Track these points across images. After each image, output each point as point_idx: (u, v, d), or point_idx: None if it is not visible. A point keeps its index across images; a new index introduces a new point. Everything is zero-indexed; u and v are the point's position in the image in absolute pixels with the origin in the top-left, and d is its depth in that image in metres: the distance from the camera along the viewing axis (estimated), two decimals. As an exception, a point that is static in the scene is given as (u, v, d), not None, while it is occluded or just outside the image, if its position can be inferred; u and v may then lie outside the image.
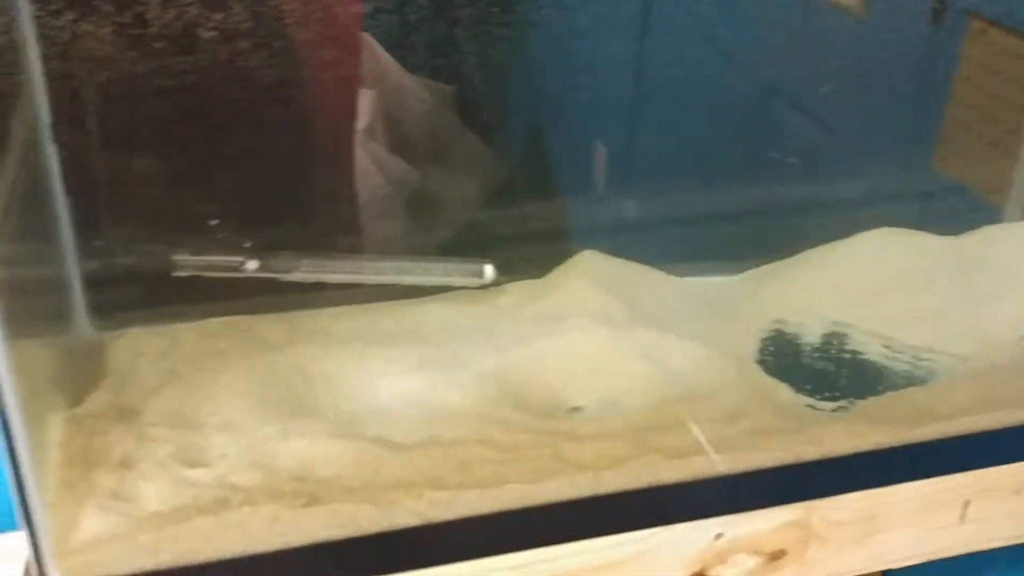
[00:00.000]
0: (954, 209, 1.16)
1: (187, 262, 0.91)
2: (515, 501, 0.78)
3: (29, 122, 0.82)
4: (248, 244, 0.91)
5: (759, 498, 0.83)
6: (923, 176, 1.19)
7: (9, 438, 0.64)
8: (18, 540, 0.75)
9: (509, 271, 1.02)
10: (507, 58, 1.35)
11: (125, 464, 0.76)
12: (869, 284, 0.99)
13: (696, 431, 0.84)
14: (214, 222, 0.92)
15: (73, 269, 0.89)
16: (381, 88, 1.37)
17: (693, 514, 0.81)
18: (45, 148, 0.83)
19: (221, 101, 0.96)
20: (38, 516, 0.68)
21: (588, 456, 0.81)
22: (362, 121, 1.35)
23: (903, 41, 1.22)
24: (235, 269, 0.92)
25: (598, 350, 0.92)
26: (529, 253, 1.06)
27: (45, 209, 0.85)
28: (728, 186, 1.19)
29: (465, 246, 1.14)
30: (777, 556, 0.86)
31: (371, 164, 1.36)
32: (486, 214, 1.29)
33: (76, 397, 0.84)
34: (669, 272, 1.05)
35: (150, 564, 0.71)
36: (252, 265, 0.92)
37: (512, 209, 1.19)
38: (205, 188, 0.95)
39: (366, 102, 1.33)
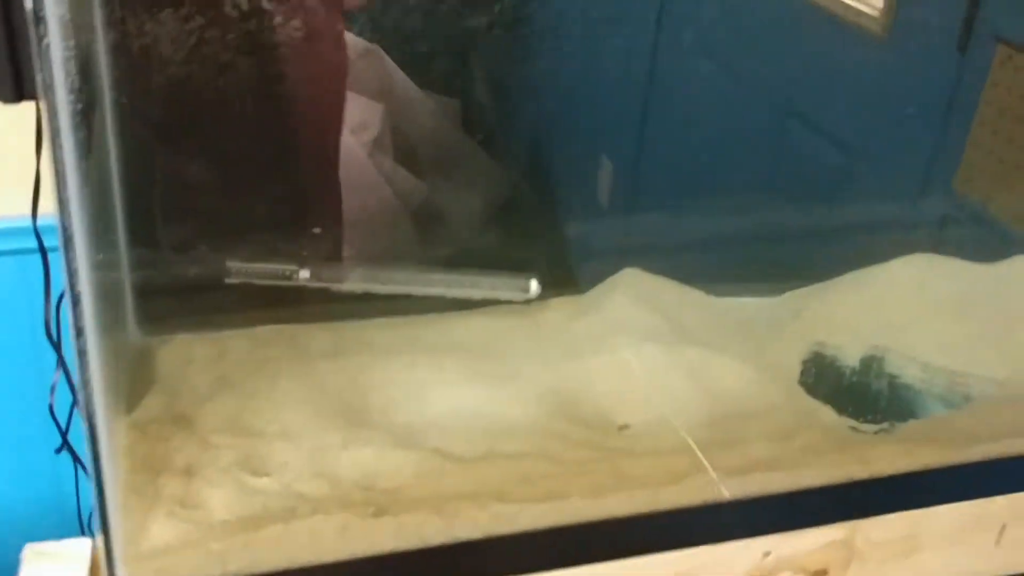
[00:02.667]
0: (979, 234, 1.18)
1: (240, 269, 0.91)
2: (576, 515, 0.79)
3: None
4: (304, 253, 0.91)
5: (808, 517, 0.85)
6: (947, 200, 1.21)
7: (94, 442, 0.64)
8: (79, 546, 0.74)
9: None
10: (514, 74, 1.37)
11: (189, 471, 0.75)
12: (906, 309, 1.01)
13: (696, 451, 0.85)
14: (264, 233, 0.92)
15: (125, 274, 0.88)
16: (389, 101, 1.38)
17: (745, 532, 0.83)
18: (106, 155, 0.83)
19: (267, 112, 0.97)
20: (113, 521, 0.68)
21: (644, 472, 0.82)
22: (370, 134, 1.36)
23: (927, 65, 1.24)
24: (287, 278, 0.92)
25: (647, 368, 0.93)
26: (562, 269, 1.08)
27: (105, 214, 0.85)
28: (741, 209, 1.21)
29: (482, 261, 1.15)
30: (819, 574, 0.88)
31: (378, 176, 1.36)
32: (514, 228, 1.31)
33: (130, 403, 0.83)
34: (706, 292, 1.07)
35: (218, 572, 0.70)
36: (304, 274, 0.92)
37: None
38: (256, 198, 0.95)
39: (375, 114, 1.34)
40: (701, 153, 1.33)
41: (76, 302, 0.60)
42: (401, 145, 1.42)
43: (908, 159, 1.26)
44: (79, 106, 0.56)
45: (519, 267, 1.05)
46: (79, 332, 0.61)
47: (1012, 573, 0.92)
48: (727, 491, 0.82)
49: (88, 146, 0.71)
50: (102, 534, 0.67)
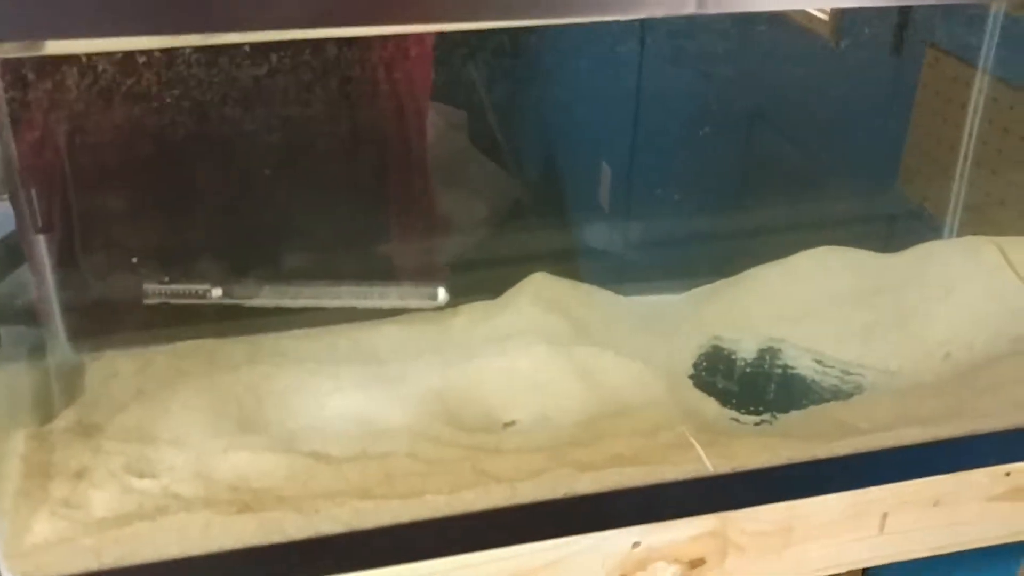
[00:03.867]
0: (916, 230, 1.18)
1: (157, 290, 0.99)
2: (433, 511, 0.84)
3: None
4: (214, 272, 0.99)
5: (673, 509, 0.87)
6: (889, 197, 1.21)
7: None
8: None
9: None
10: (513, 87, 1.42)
11: (80, 475, 0.84)
12: (806, 301, 1.02)
13: (693, 441, 0.89)
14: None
15: (52, 296, 0.98)
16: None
17: (607, 524, 0.86)
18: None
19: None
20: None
21: (507, 469, 0.86)
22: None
23: (870, 66, 1.24)
24: (201, 296, 1.00)
25: (535, 367, 0.97)
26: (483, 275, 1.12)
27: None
28: (697, 208, 1.23)
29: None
30: (697, 564, 0.90)
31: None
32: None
33: (50, 415, 0.92)
34: (621, 292, 1.10)
35: (94, 565, 0.78)
36: (216, 292, 1.00)
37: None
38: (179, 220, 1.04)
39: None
40: (651, 157, 1.35)
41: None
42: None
43: (857, 158, 1.27)
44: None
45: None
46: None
47: (897, 560, 0.92)
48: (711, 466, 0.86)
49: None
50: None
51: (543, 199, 1.36)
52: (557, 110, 1.46)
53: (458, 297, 1.07)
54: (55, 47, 0.87)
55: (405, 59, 1.13)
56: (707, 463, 0.87)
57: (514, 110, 1.46)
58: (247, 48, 1.00)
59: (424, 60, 1.18)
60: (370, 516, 0.83)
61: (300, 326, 1.08)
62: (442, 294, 1.05)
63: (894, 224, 1.20)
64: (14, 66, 0.92)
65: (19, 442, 0.86)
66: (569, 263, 1.16)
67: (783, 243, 1.16)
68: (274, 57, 1.03)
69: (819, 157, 1.28)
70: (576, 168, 1.49)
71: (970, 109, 1.05)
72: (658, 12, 0.71)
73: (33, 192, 0.92)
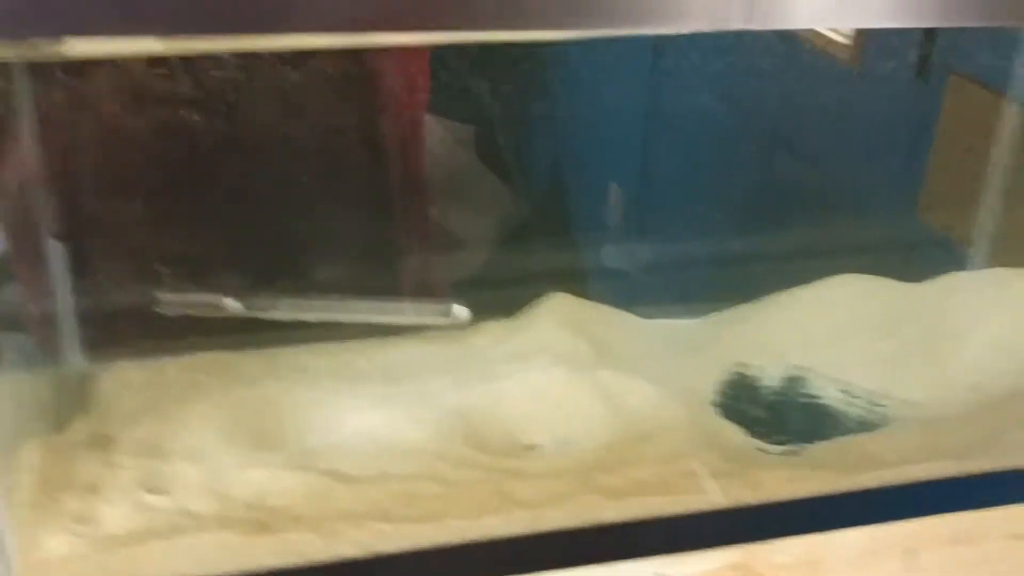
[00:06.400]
0: (937, 259, 1.17)
1: (172, 301, 0.97)
2: (456, 535, 0.82)
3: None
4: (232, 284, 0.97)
5: (697, 539, 0.86)
6: (907, 225, 1.20)
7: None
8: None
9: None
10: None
11: (92, 489, 0.82)
12: (831, 329, 1.01)
13: (700, 469, 0.87)
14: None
15: (67, 306, 0.96)
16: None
17: (630, 553, 0.84)
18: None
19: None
20: (5, 537, 0.74)
21: (531, 494, 0.85)
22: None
23: (890, 91, 1.24)
24: (216, 308, 0.98)
25: (556, 390, 0.96)
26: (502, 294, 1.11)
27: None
28: (715, 231, 1.22)
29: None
30: (720, 596, 0.88)
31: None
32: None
33: (62, 426, 0.90)
34: (642, 315, 1.08)
35: (106, 583, 0.77)
36: (233, 304, 0.98)
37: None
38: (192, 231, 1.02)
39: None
40: (673, 179, 1.35)
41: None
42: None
43: (877, 185, 1.26)
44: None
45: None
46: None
47: (923, 598, 0.91)
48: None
49: None
50: (-5, 548, 0.74)
51: (552, 216, 1.35)
52: (569, 127, 1.46)
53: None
54: (77, 49, 0.85)
55: (403, 74, 1.13)
56: (713, 493, 0.85)
57: (524, 126, 1.45)
58: (264, 56, 0.98)
59: (422, 74, 1.17)
60: (391, 539, 0.81)
61: (314, 340, 1.06)
62: (461, 312, 1.03)
63: (914, 252, 1.19)
64: (31, 69, 0.90)
65: (32, 453, 0.84)
66: (581, 283, 1.15)
67: (801, 268, 1.15)
68: (290, 71, 1.02)
69: (837, 182, 1.28)
70: (588, 187, 1.48)
71: (1000, 138, 1.04)
72: (703, 27, 0.70)
73: (49, 197, 0.91)
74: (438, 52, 1.22)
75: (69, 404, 0.93)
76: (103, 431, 0.90)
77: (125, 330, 0.99)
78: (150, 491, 0.82)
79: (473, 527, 0.82)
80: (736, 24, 0.69)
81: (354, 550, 0.80)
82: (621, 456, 0.88)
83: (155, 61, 0.95)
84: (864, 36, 1.25)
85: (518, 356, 1.00)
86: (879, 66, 1.23)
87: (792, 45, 1.30)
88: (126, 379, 0.97)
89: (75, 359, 0.97)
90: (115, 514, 0.79)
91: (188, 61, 0.95)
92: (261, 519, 0.80)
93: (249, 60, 0.98)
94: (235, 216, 1.05)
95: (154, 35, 0.61)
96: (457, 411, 0.94)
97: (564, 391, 0.96)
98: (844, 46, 1.28)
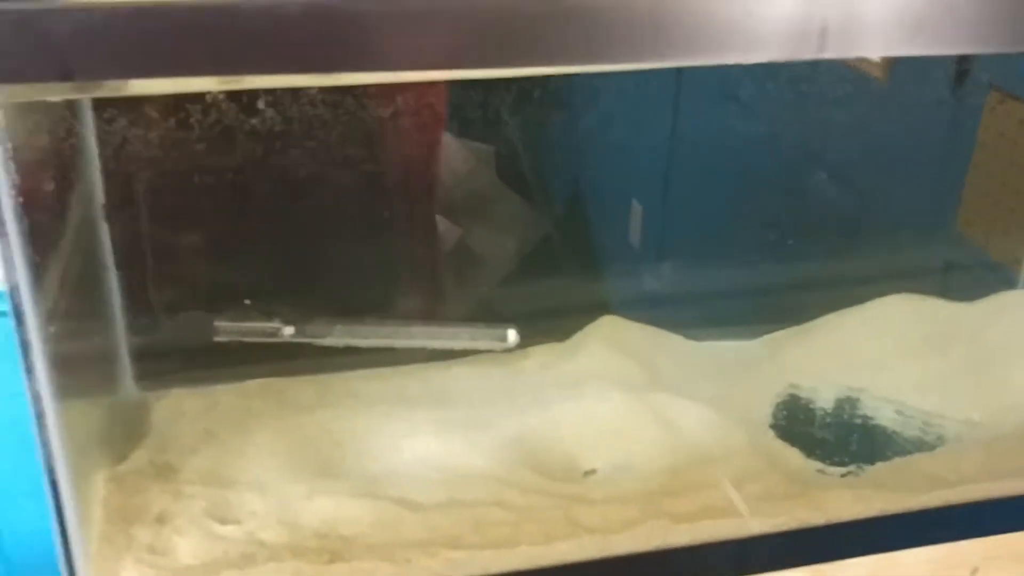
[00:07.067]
0: (976, 276, 1.17)
1: (227, 328, 0.97)
2: (527, 562, 0.82)
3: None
4: (284, 310, 0.97)
5: (765, 562, 0.86)
6: (947, 242, 1.21)
7: (56, 495, 0.70)
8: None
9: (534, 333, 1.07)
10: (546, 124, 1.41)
11: (161, 520, 0.81)
12: (882, 349, 1.01)
13: (732, 492, 0.87)
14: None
15: (121, 333, 0.95)
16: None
17: (700, 576, 0.85)
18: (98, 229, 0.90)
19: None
20: (81, 569, 0.74)
21: (598, 519, 0.84)
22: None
23: (926, 107, 1.24)
24: (272, 335, 0.98)
25: (613, 414, 0.96)
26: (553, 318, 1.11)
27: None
28: (751, 254, 1.23)
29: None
30: (788, 618, 0.88)
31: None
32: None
33: (120, 455, 0.90)
34: (691, 337, 1.09)
35: (182, 615, 0.76)
36: (288, 331, 0.98)
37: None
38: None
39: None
40: (712, 200, 1.35)
41: (30, 371, 0.66)
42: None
43: (913, 202, 1.26)
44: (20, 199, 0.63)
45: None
46: (35, 398, 0.67)
47: (986, 617, 0.91)
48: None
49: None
50: (69, 582, 0.73)
51: (592, 237, 1.35)
52: (593, 150, 1.46)
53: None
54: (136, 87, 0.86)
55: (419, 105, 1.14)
56: (744, 514, 0.85)
57: (562, 148, 1.45)
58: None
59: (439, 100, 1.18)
60: (464, 567, 0.81)
61: (364, 366, 1.06)
62: (512, 336, 1.03)
63: (955, 271, 1.19)
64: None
65: (98, 484, 0.83)
66: (630, 307, 1.15)
67: (843, 289, 1.16)
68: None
69: (874, 200, 1.28)
70: (615, 209, 1.49)
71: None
72: (779, 56, 0.70)
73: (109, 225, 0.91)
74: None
75: (126, 433, 0.93)
76: (164, 460, 0.89)
77: (179, 357, 0.99)
78: (220, 521, 0.82)
79: (544, 553, 0.82)
80: (809, 53, 0.70)
81: (427, 577, 0.80)
82: (686, 480, 0.88)
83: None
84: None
85: (572, 381, 1.00)
86: (913, 82, 1.24)
87: (826, 64, 1.31)
88: (181, 407, 0.96)
89: (128, 387, 0.97)
90: (188, 544, 0.79)
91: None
92: (333, 548, 0.80)
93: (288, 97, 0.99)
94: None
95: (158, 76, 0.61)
96: (515, 437, 0.94)
97: (620, 415, 0.96)
98: (876, 63, 1.29)
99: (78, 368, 0.80)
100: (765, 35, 0.68)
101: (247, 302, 0.94)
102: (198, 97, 0.91)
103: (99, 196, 0.88)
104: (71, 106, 0.84)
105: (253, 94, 0.94)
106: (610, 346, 1.03)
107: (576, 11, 0.64)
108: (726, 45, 0.68)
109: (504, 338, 1.02)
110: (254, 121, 0.92)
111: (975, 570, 0.90)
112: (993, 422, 0.95)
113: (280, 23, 0.59)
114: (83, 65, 0.60)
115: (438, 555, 0.80)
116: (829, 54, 0.71)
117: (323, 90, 0.98)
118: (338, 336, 0.99)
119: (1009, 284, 1.11)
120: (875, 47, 0.74)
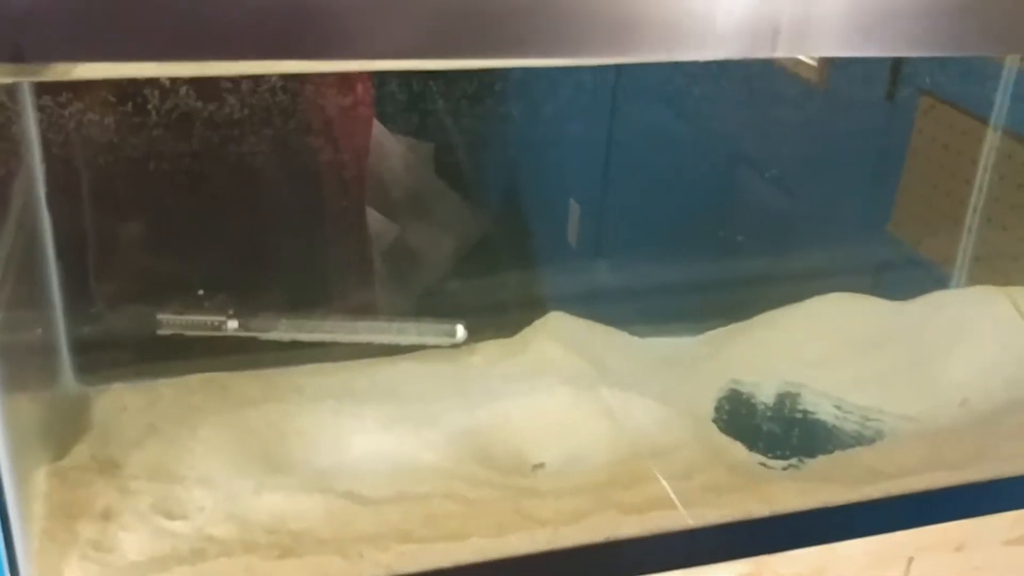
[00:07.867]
0: (910, 275, 1.21)
1: (170, 321, 0.95)
2: (478, 554, 0.82)
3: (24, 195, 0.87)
4: (230, 304, 0.95)
5: (712, 553, 0.87)
6: (882, 242, 1.24)
7: (-2, 492, 0.68)
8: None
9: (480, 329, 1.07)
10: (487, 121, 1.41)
11: (107, 515, 0.80)
12: (821, 346, 1.04)
13: (665, 485, 0.88)
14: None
15: (60, 328, 0.93)
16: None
17: (646, 568, 0.85)
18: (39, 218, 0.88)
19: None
20: (23, 567, 0.72)
21: (548, 511, 0.85)
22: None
23: (858, 111, 1.28)
24: (216, 328, 0.96)
25: (561, 408, 0.96)
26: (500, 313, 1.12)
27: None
28: (691, 252, 1.25)
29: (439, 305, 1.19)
30: (730, 608, 0.90)
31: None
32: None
33: (62, 450, 0.87)
34: (633, 333, 1.10)
35: (129, 613, 0.74)
36: (232, 324, 0.97)
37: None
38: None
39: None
40: (651, 198, 1.36)
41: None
42: (373, 187, 1.46)
43: (849, 203, 1.30)
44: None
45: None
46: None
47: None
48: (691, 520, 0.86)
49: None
50: (11, 578, 0.71)
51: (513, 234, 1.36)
52: (534, 148, 1.47)
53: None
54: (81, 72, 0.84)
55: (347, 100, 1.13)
56: (678, 506, 0.87)
57: (498, 145, 1.46)
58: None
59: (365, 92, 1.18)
60: (416, 560, 0.80)
61: (308, 361, 1.05)
62: (461, 332, 1.03)
63: (890, 270, 1.23)
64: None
65: (39, 480, 0.81)
66: (575, 303, 1.16)
67: (784, 287, 1.19)
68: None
69: (812, 201, 1.31)
70: (556, 207, 1.50)
71: (979, 160, 1.09)
72: (733, 54, 0.72)
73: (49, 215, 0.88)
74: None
75: (67, 428, 0.90)
76: (107, 455, 0.87)
77: (120, 351, 0.97)
78: (168, 516, 0.80)
79: (495, 545, 0.82)
80: (762, 52, 0.72)
81: (380, 572, 0.79)
82: (633, 473, 0.89)
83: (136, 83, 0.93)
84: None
85: (520, 375, 1.00)
86: (848, 87, 1.27)
87: (763, 68, 1.34)
88: (123, 401, 0.94)
89: (68, 381, 0.95)
90: (135, 540, 0.77)
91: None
92: (284, 543, 0.79)
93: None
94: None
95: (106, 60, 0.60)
96: (465, 431, 0.94)
97: (568, 409, 0.97)
98: (811, 67, 1.32)
99: (17, 361, 0.78)
100: (719, 33, 0.69)
101: (200, 292, 0.93)
102: (140, 84, 0.90)
103: (40, 184, 0.86)
104: (10, 91, 0.82)
105: (196, 82, 0.92)
106: (557, 342, 1.04)
107: (532, 5, 0.64)
108: (680, 42, 0.69)
109: (453, 334, 1.02)
110: (190, 111, 0.91)
111: (911, 560, 0.93)
112: (930, 417, 0.97)
113: (240, 7, 0.58)
114: (35, 46, 0.58)
115: (390, 549, 0.80)
116: (781, 53, 0.73)
117: (256, 79, 0.97)
118: (283, 330, 0.98)
119: (941, 283, 1.15)
120: (828, 47, 0.76)
